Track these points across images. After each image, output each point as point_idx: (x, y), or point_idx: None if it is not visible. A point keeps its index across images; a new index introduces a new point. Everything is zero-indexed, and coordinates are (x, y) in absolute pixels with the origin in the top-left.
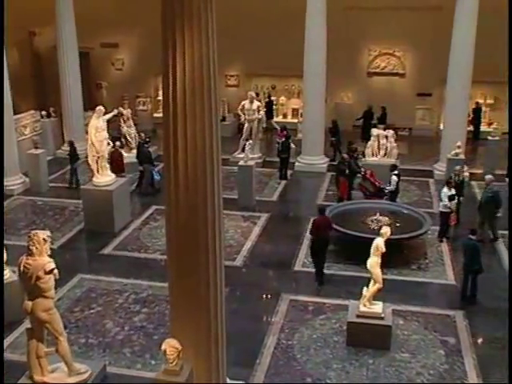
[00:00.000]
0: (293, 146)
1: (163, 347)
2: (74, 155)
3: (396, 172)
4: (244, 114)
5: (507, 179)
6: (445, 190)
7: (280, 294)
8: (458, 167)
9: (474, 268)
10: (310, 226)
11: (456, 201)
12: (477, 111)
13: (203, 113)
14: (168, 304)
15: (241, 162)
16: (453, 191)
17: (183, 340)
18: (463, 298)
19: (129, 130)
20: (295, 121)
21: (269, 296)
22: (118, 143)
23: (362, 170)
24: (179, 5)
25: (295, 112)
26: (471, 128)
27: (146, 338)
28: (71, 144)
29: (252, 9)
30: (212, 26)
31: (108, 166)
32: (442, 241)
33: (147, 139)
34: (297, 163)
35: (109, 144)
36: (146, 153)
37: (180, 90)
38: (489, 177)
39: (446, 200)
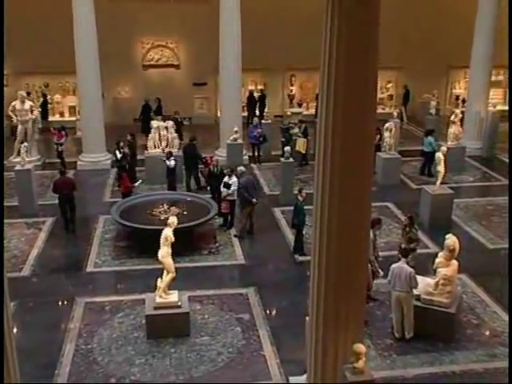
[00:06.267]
0: (60, 149)
1: None
2: None
3: (173, 158)
4: (16, 116)
5: (282, 159)
6: (225, 179)
7: (74, 299)
8: (214, 158)
9: (293, 222)
10: (52, 185)
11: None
12: (261, 98)
13: None
14: None
15: (18, 167)
16: (234, 179)
17: None
18: (295, 251)
19: None
20: (73, 119)
21: (64, 302)
22: None
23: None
24: None
25: (72, 110)
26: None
27: None
28: None
29: (17, 3)
30: None
31: None
32: (229, 229)
33: None
34: (79, 162)
35: None
36: None
37: None
38: (240, 168)
39: (222, 188)
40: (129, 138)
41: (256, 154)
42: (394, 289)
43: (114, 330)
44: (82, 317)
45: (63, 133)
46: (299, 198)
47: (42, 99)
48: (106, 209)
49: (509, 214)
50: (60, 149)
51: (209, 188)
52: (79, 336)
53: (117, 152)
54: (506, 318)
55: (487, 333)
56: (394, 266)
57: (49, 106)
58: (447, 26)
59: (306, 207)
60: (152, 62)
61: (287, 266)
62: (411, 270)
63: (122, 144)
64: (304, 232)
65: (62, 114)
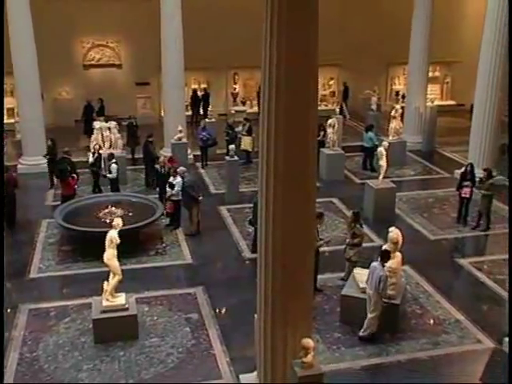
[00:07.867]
0: None
1: None
2: None
3: (114, 160)
4: None
5: (227, 157)
6: (170, 179)
7: (18, 306)
8: (161, 158)
9: (251, 220)
10: None
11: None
12: (204, 97)
13: None
14: None
15: None
16: (178, 179)
17: None
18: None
19: None
20: (12, 121)
21: (7, 310)
22: None
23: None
24: None
25: (11, 112)
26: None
27: None
28: None
29: None
30: None
31: None
32: (175, 229)
33: None
34: (19, 165)
35: None
36: None
37: None
38: (181, 168)
39: (168, 189)
40: (49, 143)
41: (204, 155)
42: (368, 286)
43: (60, 336)
44: (25, 324)
45: (5, 135)
46: (257, 196)
47: None
48: (49, 212)
49: (509, 212)
50: None
51: (158, 188)
52: (23, 344)
53: (90, 154)
54: (448, 306)
55: (431, 321)
56: (373, 264)
57: None
58: (386, 24)
59: None
60: (93, 62)
61: (235, 265)
62: (383, 274)
63: (97, 146)
64: None
65: None
